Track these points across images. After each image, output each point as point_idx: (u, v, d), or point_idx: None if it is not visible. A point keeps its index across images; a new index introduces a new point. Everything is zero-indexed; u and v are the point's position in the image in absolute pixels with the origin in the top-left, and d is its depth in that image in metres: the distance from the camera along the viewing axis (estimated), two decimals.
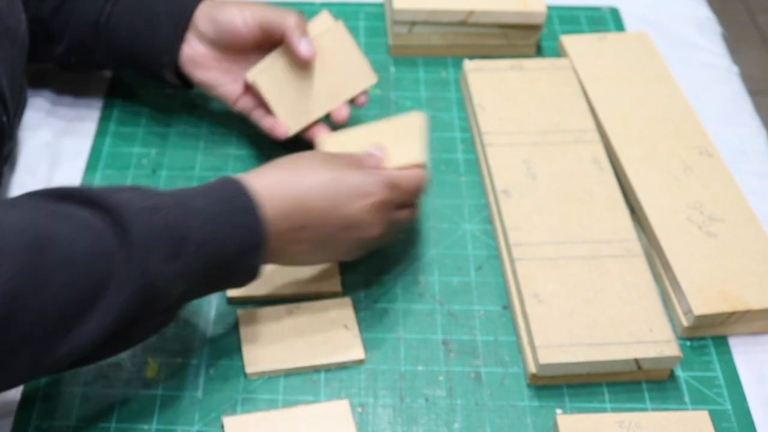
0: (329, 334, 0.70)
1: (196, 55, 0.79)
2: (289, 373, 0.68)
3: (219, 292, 0.68)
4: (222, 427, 0.64)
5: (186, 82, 0.82)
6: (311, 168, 0.65)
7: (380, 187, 0.66)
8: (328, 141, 0.76)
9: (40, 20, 0.80)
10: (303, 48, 0.75)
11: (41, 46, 0.81)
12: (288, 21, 0.76)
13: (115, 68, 0.86)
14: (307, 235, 0.64)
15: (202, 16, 0.78)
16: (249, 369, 0.68)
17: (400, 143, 0.72)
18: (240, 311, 0.71)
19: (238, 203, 0.61)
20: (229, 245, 0.60)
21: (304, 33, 0.76)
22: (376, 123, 0.75)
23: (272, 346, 0.69)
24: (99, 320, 0.55)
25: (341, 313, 0.71)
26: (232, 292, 0.72)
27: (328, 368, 0.68)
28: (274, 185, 0.63)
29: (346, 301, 0.72)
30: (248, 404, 0.66)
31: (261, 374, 0.68)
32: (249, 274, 0.63)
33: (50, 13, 0.80)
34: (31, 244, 0.53)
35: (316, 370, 0.68)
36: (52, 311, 0.54)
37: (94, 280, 0.55)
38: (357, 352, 0.69)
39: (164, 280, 0.57)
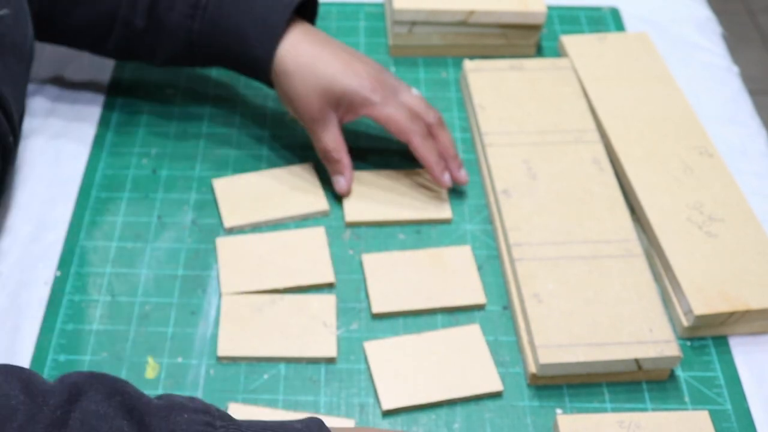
0: (306, 328, 0.70)
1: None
2: (260, 361, 0.68)
3: None
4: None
5: None
6: None
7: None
8: (221, 184, 0.79)
9: (134, 35, 0.79)
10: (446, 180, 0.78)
11: (136, 57, 0.82)
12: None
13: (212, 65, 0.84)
14: None
15: (283, 80, 0.76)
16: (220, 353, 0.69)
17: (299, 192, 0.78)
18: (225, 296, 0.72)
19: None
20: None
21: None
22: (269, 171, 0.80)
23: (247, 333, 0.70)
24: None
25: (323, 309, 0.71)
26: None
27: (299, 362, 0.68)
28: None
29: (331, 298, 0.72)
30: (248, 404, 0.66)
31: (232, 359, 0.68)
32: None
33: (142, 31, 0.79)
34: None
35: (287, 361, 0.69)
36: None
37: None
38: (329, 350, 0.69)
39: None
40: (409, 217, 0.78)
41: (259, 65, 0.77)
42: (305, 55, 0.76)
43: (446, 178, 0.78)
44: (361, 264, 0.75)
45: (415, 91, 0.79)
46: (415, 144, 0.76)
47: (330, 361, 0.69)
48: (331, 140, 0.77)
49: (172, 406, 0.51)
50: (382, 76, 0.77)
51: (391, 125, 0.76)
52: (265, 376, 0.68)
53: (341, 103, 0.76)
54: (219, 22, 0.77)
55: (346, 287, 0.74)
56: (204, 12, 0.77)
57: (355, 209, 0.78)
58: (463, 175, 0.79)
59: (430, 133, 0.77)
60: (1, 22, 0.71)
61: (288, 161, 0.83)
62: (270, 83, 0.79)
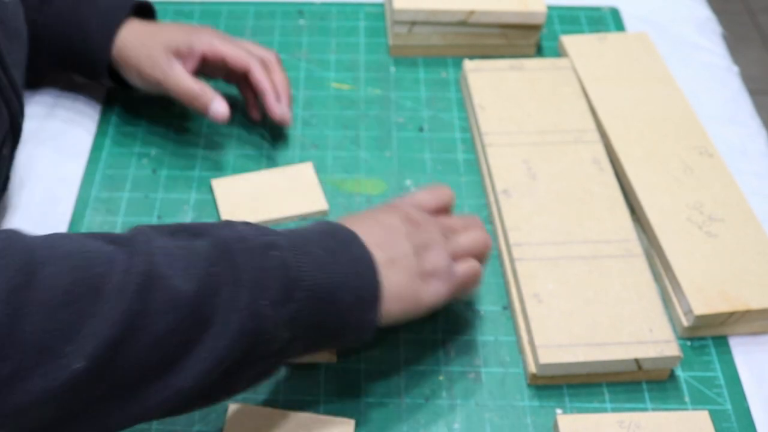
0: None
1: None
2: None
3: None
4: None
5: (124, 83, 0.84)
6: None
7: (404, 202, 0.67)
8: (221, 184, 0.80)
9: None
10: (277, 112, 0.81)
11: None
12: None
13: (60, 71, 0.87)
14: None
15: (123, 55, 0.80)
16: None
17: (298, 192, 0.79)
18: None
19: (355, 252, 0.58)
20: (345, 294, 0.56)
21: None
22: (268, 171, 0.81)
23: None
24: (196, 366, 0.51)
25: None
26: None
27: (298, 363, 0.68)
28: (361, 229, 0.60)
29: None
30: (248, 403, 0.66)
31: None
32: (363, 330, 0.58)
33: None
34: (140, 285, 0.49)
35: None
36: (151, 358, 0.49)
37: (196, 322, 0.51)
38: (329, 354, 0.68)
39: (272, 324, 0.53)
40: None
41: (97, 52, 0.80)
42: (144, 32, 0.80)
43: (280, 109, 0.80)
44: None
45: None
46: (253, 70, 0.80)
47: (330, 361, 0.69)
48: (185, 78, 0.79)
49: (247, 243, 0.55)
50: (221, 33, 0.82)
51: (229, 58, 0.79)
52: None
53: (181, 49, 0.79)
54: (63, 14, 0.80)
55: None
56: (49, 6, 0.81)
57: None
58: (287, 113, 0.81)
59: (265, 59, 0.82)
60: (6, 9, 0.73)
61: (288, 161, 0.83)
62: (109, 76, 0.82)
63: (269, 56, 0.82)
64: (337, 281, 0.56)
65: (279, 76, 0.82)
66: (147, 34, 0.80)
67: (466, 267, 0.65)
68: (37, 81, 0.88)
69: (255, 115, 0.85)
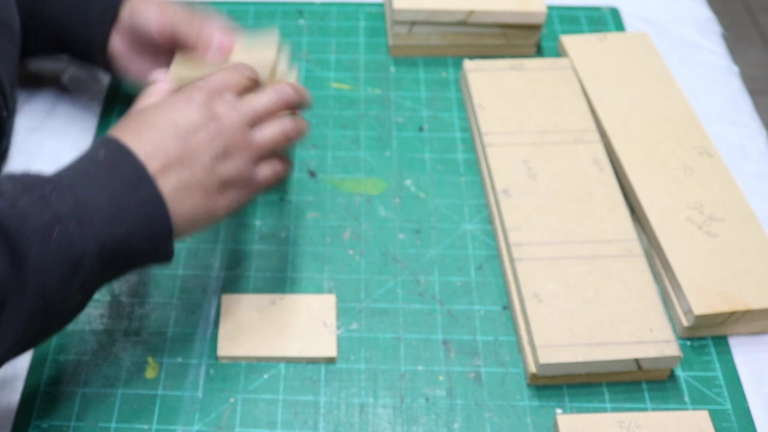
0: (306, 327, 0.70)
1: (120, 48, 0.78)
2: (260, 361, 0.68)
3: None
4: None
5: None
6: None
7: (209, 84, 0.63)
8: (179, 60, 0.72)
9: None
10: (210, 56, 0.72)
11: None
12: (196, 33, 0.72)
13: (51, 53, 0.86)
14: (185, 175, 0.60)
15: (126, 11, 0.77)
16: (220, 353, 0.69)
17: (255, 54, 0.69)
18: (225, 296, 0.72)
19: (143, 193, 0.58)
20: (135, 242, 0.58)
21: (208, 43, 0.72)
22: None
23: (247, 333, 0.69)
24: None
25: (323, 309, 0.71)
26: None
27: (299, 361, 0.69)
28: (154, 146, 0.59)
29: (331, 298, 0.72)
30: (248, 404, 0.66)
31: (232, 359, 0.68)
32: (159, 259, 0.61)
33: None
34: None
35: (287, 361, 0.69)
36: None
37: None
38: (329, 350, 0.69)
39: (62, 298, 0.55)
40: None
41: (96, 33, 0.77)
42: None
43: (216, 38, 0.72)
44: (360, 265, 0.75)
45: None
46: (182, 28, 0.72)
47: (330, 361, 0.69)
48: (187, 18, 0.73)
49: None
50: None
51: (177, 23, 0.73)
52: (265, 376, 0.68)
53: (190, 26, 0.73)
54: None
55: (346, 287, 0.74)
56: None
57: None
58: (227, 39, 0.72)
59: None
60: None
61: None
62: (105, 59, 0.79)
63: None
64: (126, 233, 0.57)
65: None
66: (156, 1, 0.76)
67: (267, 172, 0.64)
68: (34, 61, 0.88)
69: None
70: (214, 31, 0.72)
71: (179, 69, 0.70)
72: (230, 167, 0.62)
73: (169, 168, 0.59)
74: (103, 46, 0.78)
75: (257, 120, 0.64)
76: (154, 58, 0.77)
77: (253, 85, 0.65)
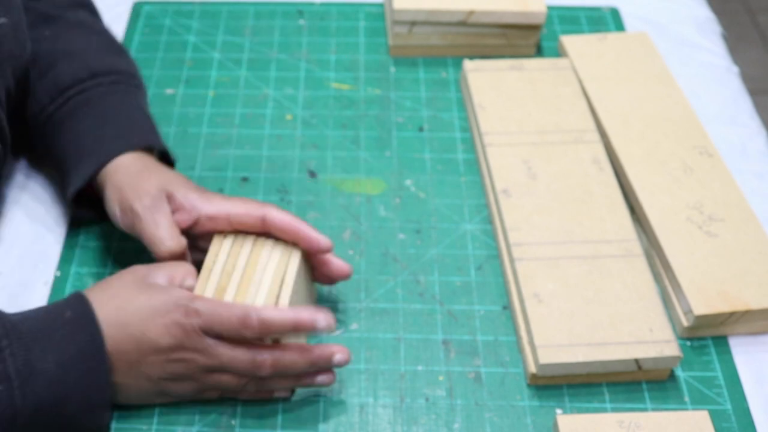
0: None
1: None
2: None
3: None
4: None
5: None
6: (132, 291, 0.62)
7: (176, 307, 0.60)
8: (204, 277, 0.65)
9: None
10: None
11: None
12: (149, 238, 0.66)
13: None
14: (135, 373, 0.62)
15: (111, 185, 0.69)
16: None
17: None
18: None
19: (92, 364, 0.59)
20: (71, 406, 0.59)
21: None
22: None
23: None
24: None
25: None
26: None
27: None
28: (119, 334, 0.60)
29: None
30: (248, 404, 0.66)
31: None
32: (95, 427, 0.62)
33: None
34: None
35: None
36: None
37: None
38: None
39: None
40: None
41: (78, 176, 0.71)
42: (147, 164, 0.70)
43: (324, 238, 0.67)
44: (360, 265, 0.75)
45: None
46: (273, 215, 0.66)
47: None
48: (164, 225, 0.66)
49: None
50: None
51: (234, 211, 0.67)
52: None
53: (176, 197, 0.68)
54: (70, 119, 0.73)
55: (346, 287, 0.74)
56: (65, 102, 0.74)
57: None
58: (330, 243, 0.68)
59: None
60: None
61: (287, 160, 0.83)
62: (83, 202, 0.74)
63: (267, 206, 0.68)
64: (65, 398, 0.58)
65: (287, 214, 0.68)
66: (149, 168, 0.70)
67: (230, 381, 0.63)
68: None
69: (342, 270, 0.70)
70: (162, 241, 0.66)
71: (202, 287, 0.64)
72: (179, 387, 0.64)
73: (124, 360, 0.61)
74: (71, 198, 0.72)
75: (222, 369, 0.62)
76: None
77: (253, 338, 0.62)
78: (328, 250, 0.67)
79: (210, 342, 0.61)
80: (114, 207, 0.68)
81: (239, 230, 0.67)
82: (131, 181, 0.68)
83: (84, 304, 0.61)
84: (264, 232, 0.67)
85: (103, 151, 0.71)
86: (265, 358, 0.61)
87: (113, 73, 0.76)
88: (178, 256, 0.66)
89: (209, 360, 0.61)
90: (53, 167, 0.76)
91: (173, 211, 0.68)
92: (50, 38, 0.77)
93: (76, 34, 0.78)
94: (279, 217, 0.66)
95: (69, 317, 0.60)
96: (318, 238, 0.66)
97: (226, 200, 0.68)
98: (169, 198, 0.68)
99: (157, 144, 0.74)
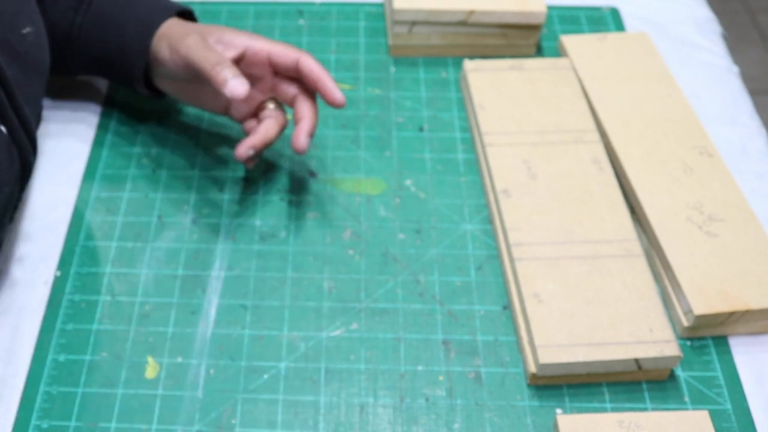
0: None
1: (163, 73, 0.78)
2: None
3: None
4: None
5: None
6: None
7: None
8: None
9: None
10: (338, 96, 0.74)
11: None
12: (209, 69, 0.72)
13: (90, 75, 0.86)
14: None
15: (155, 44, 0.77)
16: None
17: None
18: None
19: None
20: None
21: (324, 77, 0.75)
22: None
23: None
24: None
25: None
26: None
27: None
28: None
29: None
30: (248, 404, 0.66)
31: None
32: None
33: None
34: None
35: None
36: None
37: None
38: None
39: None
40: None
41: (134, 58, 0.78)
42: (184, 25, 0.77)
43: (341, 95, 0.74)
44: (360, 265, 0.75)
45: None
46: (306, 61, 0.74)
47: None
48: (207, 48, 0.73)
49: None
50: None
51: (275, 48, 0.75)
52: (265, 376, 0.68)
53: (222, 37, 0.75)
54: (102, 17, 0.79)
55: (346, 287, 0.74)
56: (88, 7, 0.79)
57: None
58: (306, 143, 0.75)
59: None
60: (24, 40, 0.72)
61: (287, 160, 0.83)
62: (147, 86, 0.80)
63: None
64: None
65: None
66: (187, 26, 0.77)
67: None
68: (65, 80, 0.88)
69: (299, 143, 0.75)
70: (227, 72, 0.70)
71: None
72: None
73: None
74: (141, 79, 0.79)
75: None
76: (202, 84, 0.76)
77: None
78: (340, 106, 0.75)
79: None
80: (168, 63, 0.76)
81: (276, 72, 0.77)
82: (179, 32, 0.75)
83: None
84: None
85: (148, 24, 0.77)
86: None
87: None
88: (220, 63, 0.71)
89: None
90: (101, 71, 0.82)
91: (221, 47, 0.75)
92: None
93: None
94: (310, 65, 0.74)
95: None
96: (336, 92, 0.74)
97: (268, 41, 0.76)
98: (218, 37, 0.75)
99: (185, 8, 0.81)
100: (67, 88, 0.89)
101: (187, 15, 0.82)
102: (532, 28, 0.92)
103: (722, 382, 0.68)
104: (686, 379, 0.69)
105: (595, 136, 0.82)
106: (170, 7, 0.79)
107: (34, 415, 0.66)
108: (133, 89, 0.83)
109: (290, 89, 0.77)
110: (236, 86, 0.69)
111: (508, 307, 0.73)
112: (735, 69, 0.96)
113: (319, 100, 0.79)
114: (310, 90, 0.77)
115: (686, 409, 0.67)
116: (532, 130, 0.82)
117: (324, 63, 0.93)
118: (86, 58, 0.81)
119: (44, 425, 0.65)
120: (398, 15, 0.91)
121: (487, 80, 0.87)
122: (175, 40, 0.75)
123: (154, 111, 0.88)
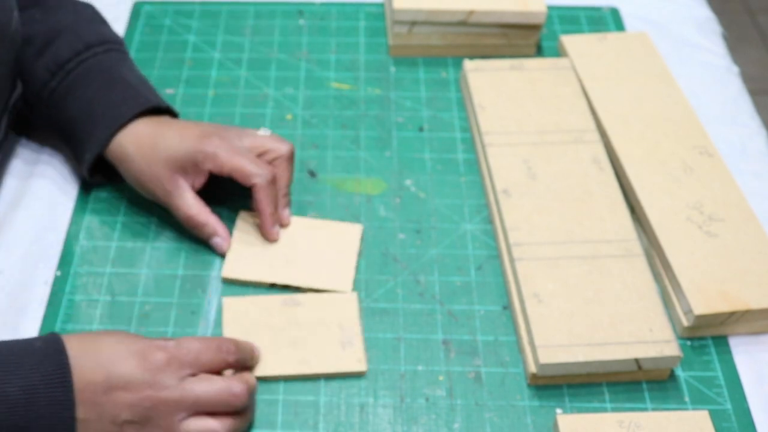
0: (326, 337, 0.69)
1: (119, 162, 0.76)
2: (280, 379, 0.68)
3: None
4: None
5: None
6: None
7: (180, 345, 0.62)
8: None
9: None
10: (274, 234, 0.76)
11: None
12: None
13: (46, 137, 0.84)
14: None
15: (126, 137, 0.75)
16: None
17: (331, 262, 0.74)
18: (226, 299, 0.71)
19: (57, 395, 0.57)
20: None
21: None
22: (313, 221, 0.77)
23: (259, 345, 0.68)
24: None
25: (343, 312, 0.71)
26: (227, 273, 0.73)
27: (328, 377, 0.68)
28: (88, 365, 0.59)
29: (352, 297, 0.72)
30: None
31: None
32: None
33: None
34: None
35: (311, 378, 0.68)
36: None
37: None
38: (358, 364, 0.68)
39: None
40: (296, 283, 0.73)
41: (93, 143, 0.75)
42: (145, 137, 0.74)
43: (275, 230, 0.75)
44: (360, 265, 0.75)
45: (262, 131, 0.77)
46: (257, 190, 0.73)
47: (359, 375, 0.68)
48: (190, 205, 0.74)
49: None
50: (219, 130, 0.75)
51: (235, 173, 0.73)
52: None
53: (185, 166, 0.73)
54: (75, 90, 0.76)
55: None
56: (65, 76, 0.77)
57: (235, 265, 0.74)
58: (285, 215, 0.76)
59: (273, 173, 0.74)
60: None
61: None
62: (96, 169, 0.78)
63: (282, 151, 0.76)
64: (25, 427, 0.57)
65: (282, 178, 0.76)
66: (149, 144, 0.74)
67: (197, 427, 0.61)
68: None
69: (272, 236, 0.76)
70: (212, 232, 0.75)
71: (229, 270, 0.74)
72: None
73: (91, 391, 0.58)
74: (87, 166, 0.76)
75: (195, 408, 0.61)
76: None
77: (232, 365, 0.64)
78: (272, 240, 0.76)
79: (184, 374, 0.60)
80: (137, 187, 0.76)
81: None
82: (141, 167, 0.74)
83: (55, 337, 0.60)
84: None
85: (114, 115, 0.75)
86: (241, 385, 0.62)
87: (105, 42, 0.80)
88: (206, 224, 0.75)
89: (182, 396, 0.60)
90: (62, 139, 0.79)
91: (189, 178, 0.74)
92: (41, 19, 0.79)
93: (65, 11, 0.81)
94: (259, 197, 0.74)
95: (38, 346, 0.59)
96: (270, 232, 0.75)
97: (230, 158, 0.73)
98: (180, 171, 0.74)
99: (162, 104, 0.78)
100: None
101: (164, 110, 0.79)
102: (532, 28, 0.92)
103: (722, 382, 0.68)
104: (686, 379, 0.69)
105: (595, 136, 0.82)
106: (145, 102, 0.76)
107: None
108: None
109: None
110: (219, 244, 0.75)
111: (508, 307, 0.73)
112: (735, 69, 0.96)
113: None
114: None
115: (686, 409, 0.67)
116: (532, 130, 0.82)
117: (324, 63, 0.93)
118: (46, 123, 0.80)
119: None
120: (398, 15, 0.91)
121: (487, 80, 0.87)
122: (144, 176, 0.74)
123: None
